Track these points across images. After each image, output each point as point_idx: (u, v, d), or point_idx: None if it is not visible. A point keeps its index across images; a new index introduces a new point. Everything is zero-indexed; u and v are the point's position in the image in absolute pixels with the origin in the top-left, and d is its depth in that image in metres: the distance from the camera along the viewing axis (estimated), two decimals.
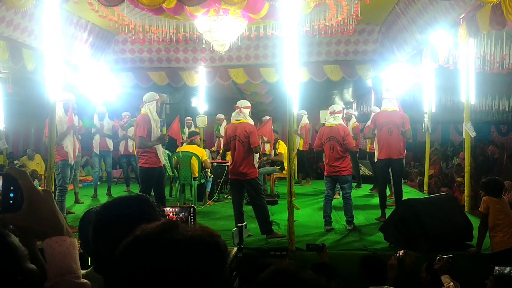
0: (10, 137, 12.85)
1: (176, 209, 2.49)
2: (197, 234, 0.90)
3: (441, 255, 4.00)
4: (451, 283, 3.75)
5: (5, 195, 1.09)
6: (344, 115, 8.50)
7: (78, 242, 1.86)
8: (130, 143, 8.90)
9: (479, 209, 4.83)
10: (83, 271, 1.34)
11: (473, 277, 4.17)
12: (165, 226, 0.92)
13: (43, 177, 10.01)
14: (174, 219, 2.50)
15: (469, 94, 7.24)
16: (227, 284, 0.93)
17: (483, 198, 4.77)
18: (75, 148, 6.75)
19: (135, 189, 8.99)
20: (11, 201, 1.09)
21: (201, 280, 0.86)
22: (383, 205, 6.67)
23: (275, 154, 9.22)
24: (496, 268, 3.55)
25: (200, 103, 11.41)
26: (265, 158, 8.95)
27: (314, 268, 3.55)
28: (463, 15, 5.91)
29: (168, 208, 2.53)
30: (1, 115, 9.26)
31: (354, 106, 16.48)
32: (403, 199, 6.32)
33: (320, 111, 8.21)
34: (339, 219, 6.54)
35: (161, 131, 6.17)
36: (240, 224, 4.44)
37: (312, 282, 0.94)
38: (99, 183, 9.09)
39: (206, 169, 7.93)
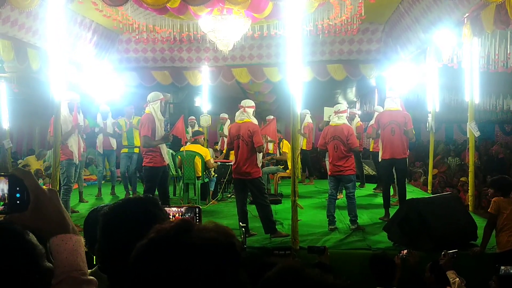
0: (14, 136, 12.90)
1: (182, 209, 2.50)
2: (212, 237, 0.91)
3: (446, 251, 3.99)
4: (457, 279, 3.74)
5: (12, 196, 1.11)
6: (348, 115, 8.50)
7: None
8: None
9: (489, 210, 4.78)
10: (88, 270, 1.35)
11: (476, 276, 4.17)
12: (180, 227, 0.92)
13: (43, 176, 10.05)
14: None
15: (473, 93, 7.22)
16: (244, 286, 0.93)
17: (493, 199, 4.72)
18: (80, 147, 6.78)
19: (139, 188, 9.01)
20: (17, 202, 1.11)
21: (218, 283, 0.86)
22: (386, 205, 6.67)
23: (280, 154, 9.23)
24: (502, 267, 3.55)
25: (204, 102, 11.41)
26: (269, 157, 8.95)
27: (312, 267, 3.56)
28: (467, 14, 5.89)
29: (174, 208, 2.54)
30: (6, 114, 9.31)
31: (358, 105, 16.44)
32: (407, 198, 6.32)
33: (324, 107, 8.18)
34: (342, 218, 6.55)
35: (165, 130, 6.18)
36: (243, 224, 4.45)
37: (319, 278, 0.95)
38: (103, 182, 9.12)
39: (210, 169, 7.94)
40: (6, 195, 1.10)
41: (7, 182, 1.11)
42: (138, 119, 8.50)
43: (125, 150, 8.61)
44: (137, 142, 8.50)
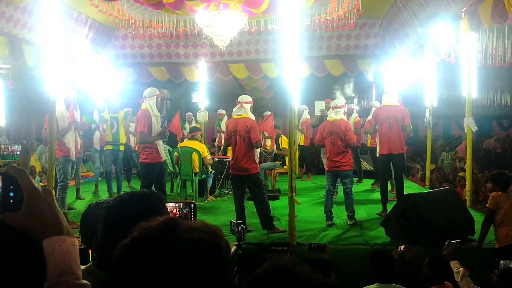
0: (11, 133, 12.84)
1: (180, 205, 2.49)
2: (198, 237, 0.88)
3: (449, 241, 3.99)
4: (461, 269, 3.74)
5: (5, 195, 1.07)
6: (346, 110, 8.49)
7: (78, 238, 1.84)
8: (131, 138, 8.89)
9: (487, 205, 4.77)
10: (83, 266, 1.33)
11: (474, 271, 4.16)
12: (164, 227, 0.89)
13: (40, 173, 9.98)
14: (177, 215, 2.50)
15: (470, 88, 7.21)
16: (230, 287, 0.90)
17: (492, 194, 4.71)
18: (77, 144, 6.75)
19: (136, 185, 8.99)
20: (11, 201, 1.07)
21: (203, 285, 0.83)
22: (384, 200, 6.67)
23: (278, 149, 9.21)
24: (501, 262, 3.55)
25: (201, 98, 11.39)
26: (270, 150, 8.92)
27: (311, 264, 3.55)
28: (464, 9, 5.87)
29: (171, 204, 2.53)
30: (2, 111, 9.26)
31: (356, 100, 16.45)
32: (404, 193, 6.32)
33: (315, 102, 8.12)
34: (340, 214, 6.54)
35: (162, 126, 6.13)
36: (239, 221, 4.43)
37: (308, 276, 0.92)
38: (100, 178, 9.08)
39: (207, 165, 7.93)
40: None
41: (0, 180, 1.08)
42: (124, 112, 8.42)
43: (110, 147, 8.23)
44: (122, 139, 8.29)
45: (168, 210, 2.49)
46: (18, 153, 4.39)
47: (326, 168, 6.48)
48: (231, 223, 4.27)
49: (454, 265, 3.77)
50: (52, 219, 1.10)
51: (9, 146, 4.77)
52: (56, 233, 1.09)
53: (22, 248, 1.06)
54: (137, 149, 8.23)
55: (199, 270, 0.85)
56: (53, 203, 1.12)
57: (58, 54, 5.41)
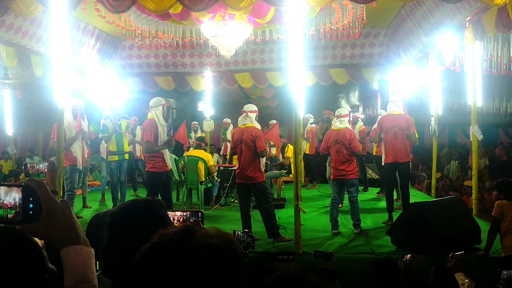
0: (18, 142, 12.95)
1: (187, 214, 2.51)
2: (215, 243, 0.92)
3: (453, 253, 3.97)
4: (466, 280, 3.70)
5: (25, 206, 1.12)
6: (351, 119, 8.49)
7: None
8: (138, 147, 8.94)
9: (492, 213, 4.74)
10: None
11: (481, 280, 4.14)
12: (182, 233, 0.93)
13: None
14: None
15: (476, 97, 7.21)
16: None
17: (497, 202, 4.69)
18: (84, 153, 6.80)
19: (143, 194, 9.02)
20: (30, 212, 1.12)
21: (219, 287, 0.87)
22: (390, 209, 6.65)
23: (283, 158, 9.22)
24: (504, 272, 3.53)
25: (207, 107, 11.45)
26: (277, 164, 8.96)
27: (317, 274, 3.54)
28: (469, 18, 5.90)
29: (178, 213, 2.56)
30: (10, 120, 9.36)
31: (361, 109, 16.48)
32: (410, 202, 6.31)
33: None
34: (346, 222, 6.53)
35: (168, 135, 6.17)
36: (247, 230, 4.44)
37: (317, 283, 0.95)
38: (106, 187, 9.12)
39: (212, 174, 7.95)
40: (18, 204, 1.12)
41: (20, 192, 1.13)
42: (127, 123, 8.42)
43: (115, 157, 8.07)
44: (126, 147, 8.22)
45: (176, 218, 2.53)
46: (45, 171, 4.45)
47: (331, 177, 6.47)
48: (234, 232, 4.26)
49: (459, 277, 3.75)
50: (69, 229, 1.15)
51: (35, 165, 4.82)
52: (73, 243, 1.14)
53: (31, 253, 1.11)
54: (142, 158, 8.28)
55: (216, 273, 0.89)
56: (70, 214, 1.17)
57: (65, 64, 5.48)
